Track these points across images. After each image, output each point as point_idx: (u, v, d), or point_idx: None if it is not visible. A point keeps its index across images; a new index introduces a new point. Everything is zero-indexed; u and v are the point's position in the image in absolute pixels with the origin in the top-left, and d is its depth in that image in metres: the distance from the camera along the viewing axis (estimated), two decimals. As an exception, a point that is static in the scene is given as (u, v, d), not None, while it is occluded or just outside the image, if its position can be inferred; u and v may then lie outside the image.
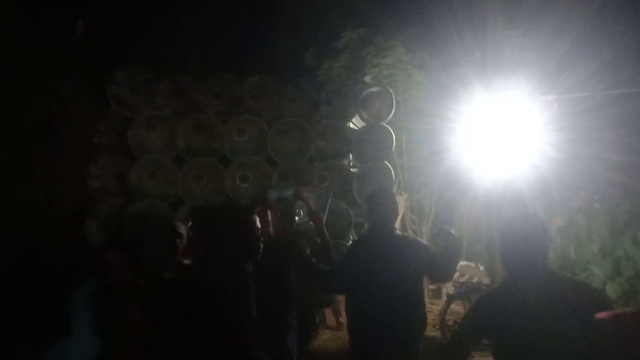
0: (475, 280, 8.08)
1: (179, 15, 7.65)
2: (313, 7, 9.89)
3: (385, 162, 6.31)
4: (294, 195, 5.93)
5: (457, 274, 8.14)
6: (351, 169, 6.35)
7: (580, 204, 8.12)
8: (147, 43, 6.77)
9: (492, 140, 6.69)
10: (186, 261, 3.97)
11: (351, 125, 6.37)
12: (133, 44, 6.66)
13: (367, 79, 9.27)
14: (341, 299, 5.87)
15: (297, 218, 5.79)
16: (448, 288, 8.23)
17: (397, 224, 9.16)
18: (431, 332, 7.02)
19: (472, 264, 8.53)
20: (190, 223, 3.94)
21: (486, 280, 7.86)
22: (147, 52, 6.38)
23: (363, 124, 6.34)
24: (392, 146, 6.26)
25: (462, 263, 8.58)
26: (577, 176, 7.28)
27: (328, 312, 7.99)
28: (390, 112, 6.32)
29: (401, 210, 9.47)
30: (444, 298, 8.07)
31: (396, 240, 3.86)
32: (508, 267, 2.72)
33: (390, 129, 6.25)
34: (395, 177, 9.26)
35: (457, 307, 7.60)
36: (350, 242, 5.63)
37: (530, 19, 7.74)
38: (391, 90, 6.33)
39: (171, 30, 7.32)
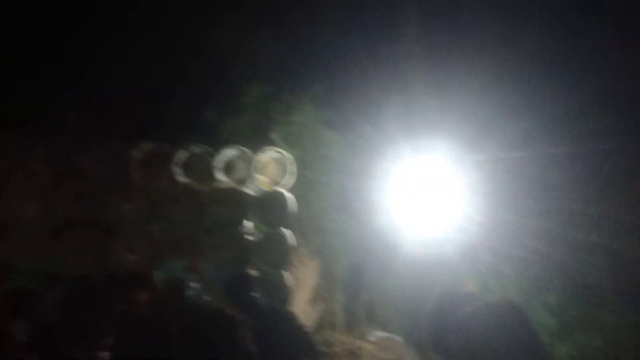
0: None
1: (63, 72, 7.70)
2: (211, 62, 10.25)
3: (283, 228, 6.59)
4: (187, 267, 6.10)
5: (377, 348, 8.32)
6: (249, 237, 6.56)
7: (492, 267, 8.68)
8: (24, 101, 6.76)
9: (413, 200, 6.97)
10: None
11: (248, 191, 6.63)
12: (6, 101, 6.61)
13: (275, 136, 9.66)
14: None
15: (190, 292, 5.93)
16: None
17: (309, 292, 9.42)
18: None
19: (396, 337, 8.67)
20: None
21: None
22: (23, 112, 6.38)
23: (261, 188, 6.62)
24: (290, 212, 6.57)
25: (381, 335, 8.79)
26: (499, 241, 7.76)
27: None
28: (290, 177, 6.67)
29: (314, 276, 9.73)
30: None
31: None
32: None
33: (287, 194, 6.57)
34: (306, 240, 9.61)
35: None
36: None
37: (458, 76, 8.32)
38: (288, 156, 6.69)
39: (54, 88, 7.34)
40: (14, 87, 7.45)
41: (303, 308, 8.99)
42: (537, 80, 6.82)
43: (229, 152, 6.54)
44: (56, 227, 5.78)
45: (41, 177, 5.91)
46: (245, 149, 6.58)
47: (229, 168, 6.62)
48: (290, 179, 6.71)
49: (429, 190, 6.40)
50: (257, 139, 8.91)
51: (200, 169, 6.52)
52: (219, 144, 6.72)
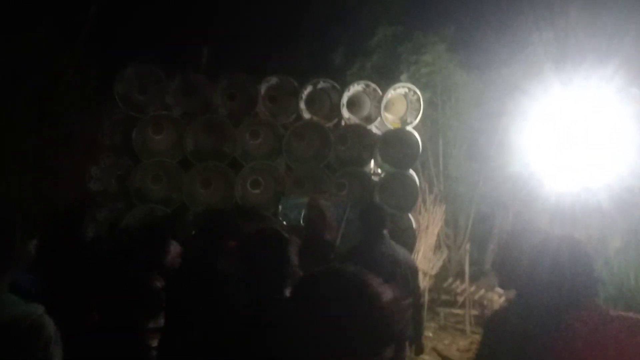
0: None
1: (196, 10, 7.74)
2: (343, 5, 9.84)
3: (411, 170, 6.16)
4: (309, 203, 5.91)
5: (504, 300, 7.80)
6: (373, 177, 6.22)
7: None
8: (160, 37, 6.87)
9: (559, 142, 6.03)
10: None
11: (374, 129, 6.25)
12: (145, 38, 6.75)
13: (403, 77, 9.15)
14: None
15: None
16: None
17: (434, 239, 8.99)
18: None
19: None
20: None
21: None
22: (159, 47, 6.46)
23: (388, 127, 6.20)
24: (418, 153, 6.10)
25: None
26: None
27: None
28: (418, 115, 6.18)
29: (438, 223, 9.27)
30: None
31: (384, 257, 3.88)
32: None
33: (416, 134, 6.09)
34: (431, 186, 9.13)
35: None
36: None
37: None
38: (418, 91, 6.17)
39: (187, 25, 7.40)
40: (150, 26, 7.63)
41: (426, 255, 8.61)
42: None
43: (355, 88, 6.16)
44: (186, 158, 5.79)
45: (174, 110, 5.92)
46: (373, 85, 6.15)
47: (355, 105, 6.26)
48: (418, 117, 6.20)
49: (580, 131, 5.50)
50: (385, 80, 8.48)
51: (326, 105, 6.23)
52: (346, 85, 6.35)
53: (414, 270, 4.05)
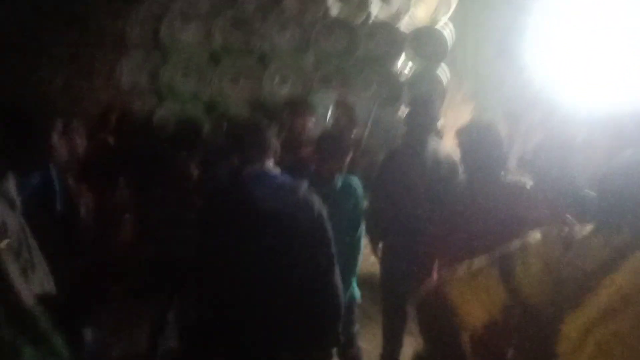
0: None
1: None
2: None
3: (439, 68, 6.11)
4: (336, 101, 5.95)
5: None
6: (402, 75, 6.18)
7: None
8: None
9: (597, 39, 5.78)
10: None
11: (403, 26, 6.12)
12: None
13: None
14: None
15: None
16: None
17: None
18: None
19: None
20: None
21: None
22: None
23: (417, 24, 6.08)
24: (447, 50, 6.01)
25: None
26: None
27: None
28: (448, 11, 6.02)
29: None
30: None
31: (429, 154, 3.89)
32: None
33: (445, 31, 5.96)
34: (459, 84, 9.00)
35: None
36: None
37: None
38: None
39: None
40: None
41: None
42: None
43: (386, -16, 5.97)
44: (214, 52, 5.81)
45: (201, 4, 5.87)
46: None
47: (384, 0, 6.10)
48: (448, 14, 6.04)
49: (620, 29, 5.26)
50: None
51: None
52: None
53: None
